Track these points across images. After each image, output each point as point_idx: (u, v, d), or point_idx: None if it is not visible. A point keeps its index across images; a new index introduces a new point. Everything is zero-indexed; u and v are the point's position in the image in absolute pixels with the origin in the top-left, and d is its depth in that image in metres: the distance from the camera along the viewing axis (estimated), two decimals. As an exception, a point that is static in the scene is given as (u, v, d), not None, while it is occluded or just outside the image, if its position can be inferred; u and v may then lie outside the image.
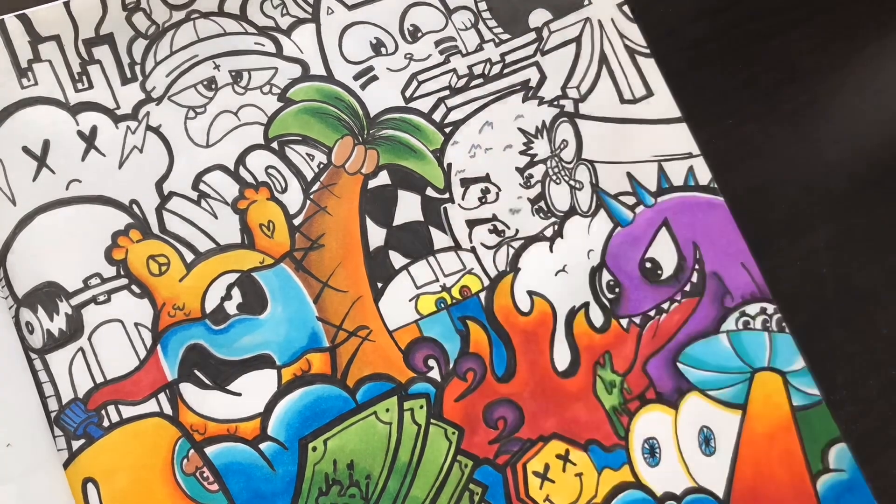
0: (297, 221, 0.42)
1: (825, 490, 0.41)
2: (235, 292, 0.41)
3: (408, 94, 0.45)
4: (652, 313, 0.43)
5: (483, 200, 0.44)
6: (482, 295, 0.43)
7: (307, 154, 0.43)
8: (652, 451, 0.41)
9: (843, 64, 0.48)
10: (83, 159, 0.42)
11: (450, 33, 0.46)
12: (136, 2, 0.43)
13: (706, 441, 0.42)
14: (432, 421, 0.40)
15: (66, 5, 0.43)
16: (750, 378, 0.43)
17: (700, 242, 0.45)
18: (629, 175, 0.45)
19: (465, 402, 0.41)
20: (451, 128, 0.45)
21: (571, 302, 0.43)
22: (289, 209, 0.43)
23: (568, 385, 0.42)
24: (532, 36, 0.47)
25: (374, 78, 0.45)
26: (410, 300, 0.42)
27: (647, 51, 0.47)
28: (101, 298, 0.40)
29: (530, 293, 0.43)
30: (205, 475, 0.38)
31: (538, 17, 0.48)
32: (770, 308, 0.44)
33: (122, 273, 0.40)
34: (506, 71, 0.46)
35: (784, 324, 0.43)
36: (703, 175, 0.46)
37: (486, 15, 0.47)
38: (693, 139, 0.46)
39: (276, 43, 0.45)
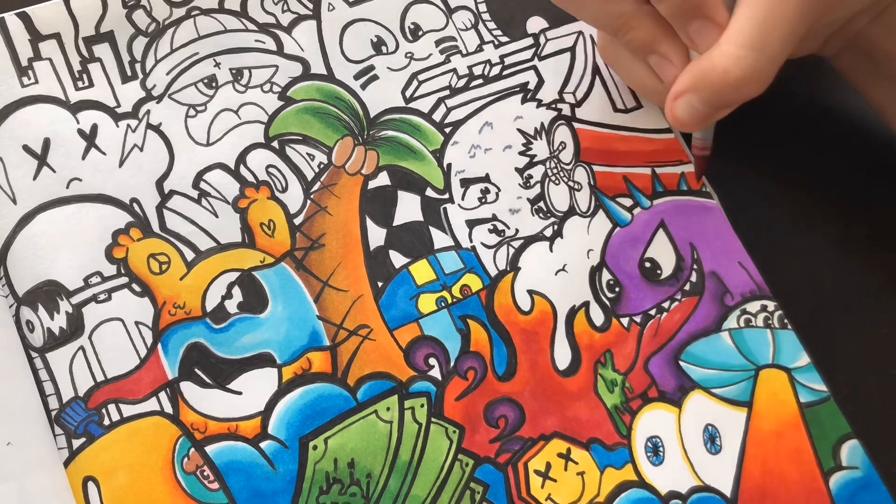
0: (297, 221, 0.42)
1: (838, 488, 0.41)
2: (236, 291, 0.41)
3: (408, 93, 0.45)
4: (652, 312, 0.43)
5: (483, 200, 0.44)
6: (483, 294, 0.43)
7: (308, 154, 0.43)
8: (655, 450, 0.41)
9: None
10: (84, 158, 0.42)
11: (450, 33, 0.47)
12: None
13: (711, 439, 0.41)
14: (433, 420, 0.40)
15: (67, 3, 0.43)
16: (754, 375, 0.43)
17: (696, 243, 0.45)
18: (625, 178, 0.45)
19: (466, 400, 0.41)
20: (450, 128, 0.45)
21: (572, 301, 0.43)
22: (289, 208, 0.43)
23: (569, 384, 0.42)
24: (530, 41, 0.47)
25: (375, 77, 0.45)
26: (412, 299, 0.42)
27: None
28: (102, 297, 0.40)
29: (531, 292, 0.43)
30: (205, 474, 0.38)
31: (535, 23, 0.48)
32: (771, 305, 0.43)
33: (123, 271, 0.40)
34: (505, 73, 0.47)
35: (786, 320, 0.43)
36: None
37: (486, 17, 0.47)
38: (684, 147, 0.46)
39: (276, 40, 0.45)
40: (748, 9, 0.38)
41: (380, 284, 0.42)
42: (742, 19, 0.38)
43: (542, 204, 0.44)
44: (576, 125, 0.46)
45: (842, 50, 0.44)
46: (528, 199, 0.45)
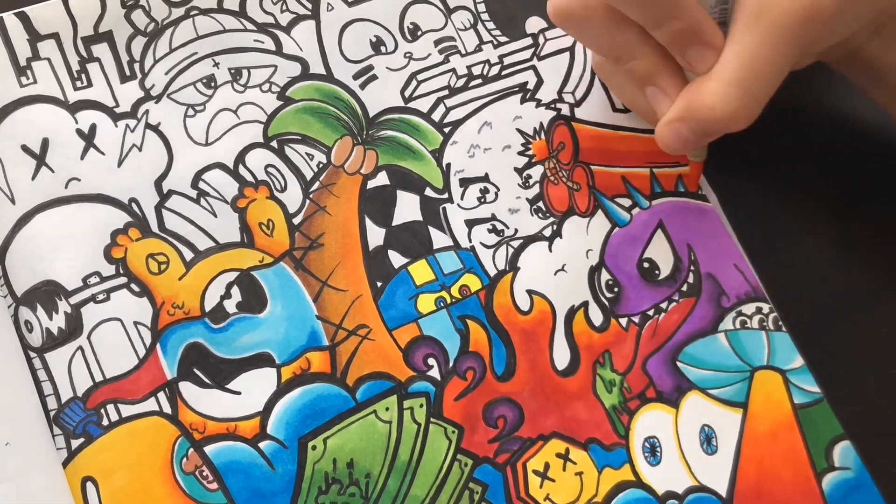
0: (296, 220, 0.42)
1: (831, 489, 0.41)
2: (235, 291, 0.41)
3: (407, 93, 0.45)
4: (651, 313, 0.43)
5: (482, 200, 0.44)
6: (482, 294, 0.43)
7: (306, 153, 0.43)
8: (653, 450, 0.41)
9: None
10: (82, 158, 0.41)
11: (449, 33, 0.46)
12: (136, -1, 0.44)
13: (707, 440, 0.42)
14: (432, 420, 0.40)
15: (65, 3, 0.43)
16: (749, 377, 0.43)
17: (693, 244, 0.45)
18: (624, 178, 0.46)
19: (465, 400, 0.41)
20: (450, 128, 0.45)
21: (571, 301, 0.43)
22: (288, 208, 0.43)
23: (568, 384, 0.42)
24: (529, 41, 0.47)
25: (374, 77, 0.45)
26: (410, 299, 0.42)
27: None
28: (101, 297, 0.40)
29: (530, 292, 0.43)
30: (204, 474, 0.38)
31: (534, 23, 0.48)
32: (766, 307, 0.44)
33: (122, 272, 0.40)
34: (504, 73, 0.47)
35: (780, 322, 0.43)
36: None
37: (485, 17, 0.47)
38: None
39: (275, 40, 0.45)
40: (737, 45, 0.38)
41: (379, 284, 0.42)
42: (730, 55, 0.38)
43: (541, 204, 0.45)
44: (575, 125, 0.46)
45: (841, 59, 0.44)
46: (527, 199, 0.45)
